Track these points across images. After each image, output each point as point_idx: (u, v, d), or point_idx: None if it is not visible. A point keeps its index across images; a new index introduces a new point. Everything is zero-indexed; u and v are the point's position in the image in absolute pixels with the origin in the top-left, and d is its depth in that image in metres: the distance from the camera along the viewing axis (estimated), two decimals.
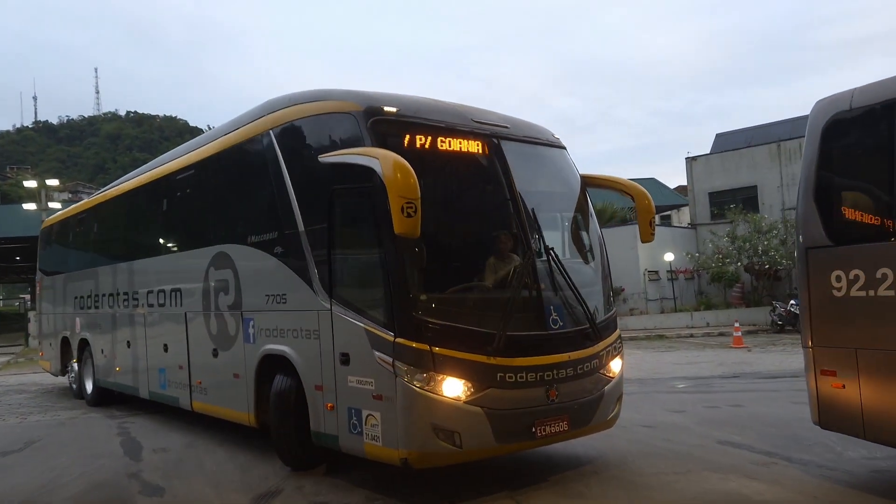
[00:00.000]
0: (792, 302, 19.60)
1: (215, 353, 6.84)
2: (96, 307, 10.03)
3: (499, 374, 4.68)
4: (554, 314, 5.05)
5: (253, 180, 6.40)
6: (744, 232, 23.05)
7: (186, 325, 7.40)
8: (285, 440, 5.75)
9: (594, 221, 6.01)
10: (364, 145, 4.84)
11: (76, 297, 10.82)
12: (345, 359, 5.03)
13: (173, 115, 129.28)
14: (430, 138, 5.00)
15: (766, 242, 22.11)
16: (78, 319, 10.78)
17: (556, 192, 5.90)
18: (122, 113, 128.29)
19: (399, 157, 4.43)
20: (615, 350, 5.56)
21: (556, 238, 5.53)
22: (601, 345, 5.35)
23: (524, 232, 5.13)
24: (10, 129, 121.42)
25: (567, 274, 5.24)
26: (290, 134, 5.87)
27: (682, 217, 37.42)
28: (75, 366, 11.07)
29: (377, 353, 4.68)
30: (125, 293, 9.11)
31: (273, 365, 5.96)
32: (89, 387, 10.47)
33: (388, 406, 4.63)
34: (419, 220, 4.23)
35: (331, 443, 5.26)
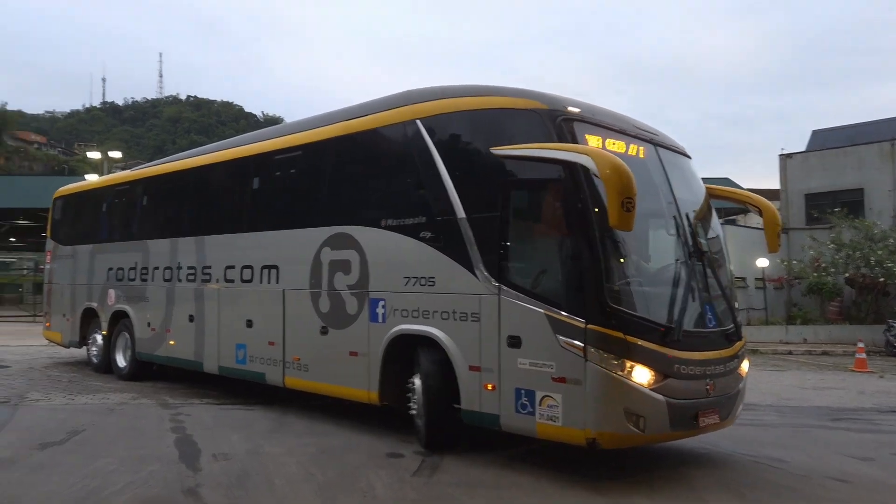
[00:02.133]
0: None
1: (324, 331, 6.94)
2: (143, 280, 9.87)
3: (676, 366, 5.04)
4: (709, 314, 5.50)
5: (390, 166, 6.59)
6: (850, 239, 20.57)
7: (284, 302, 7.44)
8: (437, 420, 5.83)
9: (720, 228, 6.34)
10: (550, 142, 5.14)
11: (111, 269, 10.63)
12: (514, 342, 5.25)
13: (230, 101, 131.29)
14: (608, 140, 5.34)
15: (879, 252, 19.62)
16: (112, 291, 10.56)
17: (697, 199, 6.11)
18: (183, 97, 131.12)
19: (613, 155, 4.77)
20: (744, 352, 5.92)
21: (703, 243, 5.79)
22: (739, 345, 5.77)
23: (687, 234, 5.57)
24: (80, 108, 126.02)
25: (718, 277, 5.73)
26: (447, 125, 6.06)
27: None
28: (99, 338, 10.84)
29: (562, 337, 4.94)
30: (190, 267, 8.97)
31: (406, 345, 6.13)
32: (121, 361, 10.33)
33: (573, 389, 4.89)
34: (634, 214, 4.53)
35: (488, 422, 5.45)
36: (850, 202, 23.12)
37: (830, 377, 12.84)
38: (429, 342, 5.87)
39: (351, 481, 5.12)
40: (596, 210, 4.86)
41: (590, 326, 4.80)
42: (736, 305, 5.95)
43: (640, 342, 4.85)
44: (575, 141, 5.14)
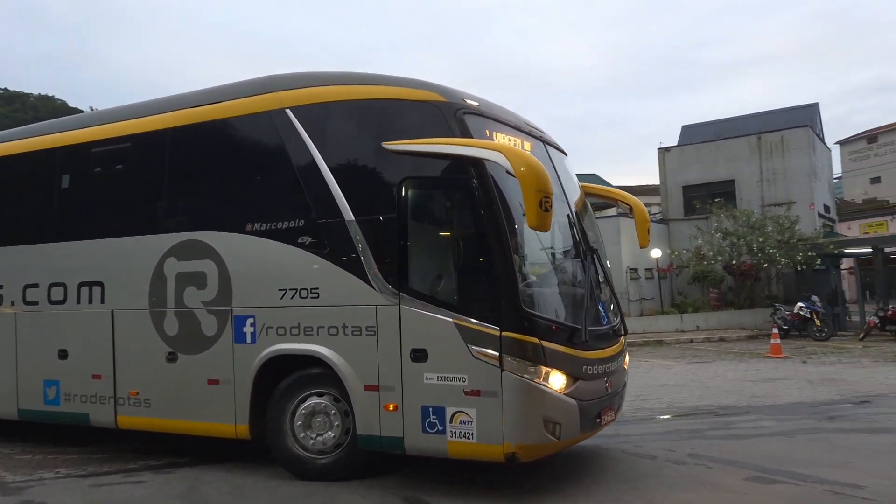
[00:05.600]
0: (800, 304, 18.06)
1: (172, 358, 5.98)
2: None
3: (584, 367, 4.99)
4: (602, 311, 5.59)
5: (254, 162, 5.89)
6: (727, 228, 21.46)
7: (113, 325, 6.32)
8: (350, 449, 5.22)
9: (597, 225, 6.32)
10: (451, 137, 4.84)
11: None
12: (419, 355, 4.86)
13: (50, 95, 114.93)
14: (504, 136, 5.17)
15: (761, 239, 20.48)
16: None
17: (578, 197, 6.03)
18: None
19: (526, 152, 4.84)
20: (626, 346, 6.03)
21: (591, 240, 5.75)
22: (623, 340, 5.89)
23: (578, 233, 5.48)
24: None
25: (606, 274, 5.85)
26: (325, 115, 5.50)
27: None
28: None
29: (474, 347, 4.65)
30: None
31: (282, 368, 5.49)
32: None
33: (489, 401, 4.60)
34: (552, 214, 4.36)
35: (389, 446, 5.00)
36: (723, 193, 24.24)
37: (762, 366, 12.55)
38: (314, 362, 5.26)
39: None
40: (505, 210, 4.67)
41: (505, 333, 4.56)
42: (617, 301, 6.13)
43: (554, 346, 4.71)
44: (476, 136, 4.86)
